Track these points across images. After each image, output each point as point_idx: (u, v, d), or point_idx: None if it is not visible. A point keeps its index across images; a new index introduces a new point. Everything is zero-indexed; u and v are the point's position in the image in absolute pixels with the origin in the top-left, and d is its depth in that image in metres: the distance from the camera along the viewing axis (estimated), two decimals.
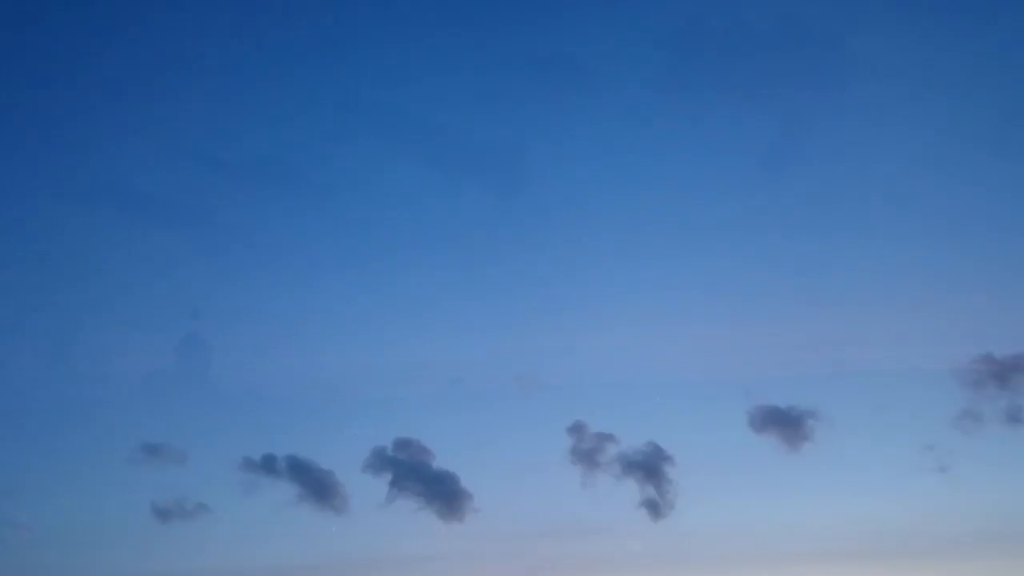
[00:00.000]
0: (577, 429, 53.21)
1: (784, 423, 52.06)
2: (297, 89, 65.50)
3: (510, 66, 65.36)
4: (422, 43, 65.84)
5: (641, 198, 64.49)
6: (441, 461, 53.22)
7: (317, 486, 52.93)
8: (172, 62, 64.73)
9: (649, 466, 51.99)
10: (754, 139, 64.50)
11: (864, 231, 61.75)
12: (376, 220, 65.36)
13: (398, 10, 65.78)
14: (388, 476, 52.65)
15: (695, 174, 64.29)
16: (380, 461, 53.09)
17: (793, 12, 64.52)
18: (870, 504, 52.12)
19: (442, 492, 52.53)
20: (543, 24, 65.76)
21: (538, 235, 63.95)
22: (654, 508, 51.21)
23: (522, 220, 64.56)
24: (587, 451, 52.90)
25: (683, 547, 51.68)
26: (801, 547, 51.48)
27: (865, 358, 56.75)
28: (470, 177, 65.56)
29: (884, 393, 54.21)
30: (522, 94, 65.13)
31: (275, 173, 65.60)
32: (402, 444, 53.78)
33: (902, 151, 63.17)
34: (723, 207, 63.38)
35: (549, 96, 65.25)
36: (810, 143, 64.13)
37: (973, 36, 63.13)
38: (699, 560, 51.37)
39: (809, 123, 64.65)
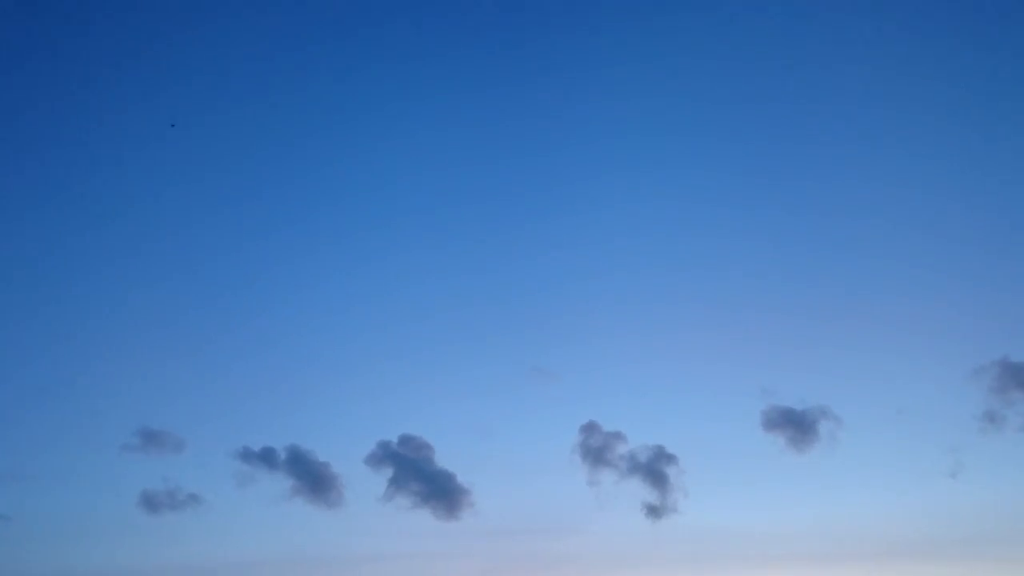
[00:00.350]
0: (589, 429, 53.16)
1: (798, 425, 51.91)
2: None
3: (530, 75, 66.88)
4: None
5: (660, 206, 66.08)
6: (444, 457, 52.91)
7: (317, 480, 52.15)
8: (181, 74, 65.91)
9: (661, 466, 51.81)
10: (767, 149, 66.20)
11: (880, 237, 62.78)
12: (391, 210, 66.30)
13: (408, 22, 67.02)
14: (391, 471, 52.12)
15: (714, 181, 65.76)
16: (383, 456, 52.49)
17: (796, 28, 65.94)
18: (887, 506, 52.49)
19: (443, 489, 51.78)
20: (562, 30, 67.35)
21: (556, 235, 65.81)
22: (665, 509, 51.11)
23: (539, 220, 66.37)
24: (598, 450, 52.72)
25: (694, 547, 51.77)
26: (817, 547, 51.66)
27: (881, 362, 57.54)
28: (487, 177, 66.30)
29: (900, 396, 54.48)
30: (541, 101, 66.96)
31: (280, 169, 66.43)
32: (406, 440, 53.22)
33: (920, 156, 64.66)
34: (742, 215, 65.01)
35: (568, 105, 67.06)
36: (826, 152, 65.81)
37: (986, 51, 64.55)
38: (709, 559, 51.44)
39: (821, 133, 65.77)
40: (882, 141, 64.83)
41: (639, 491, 51.33)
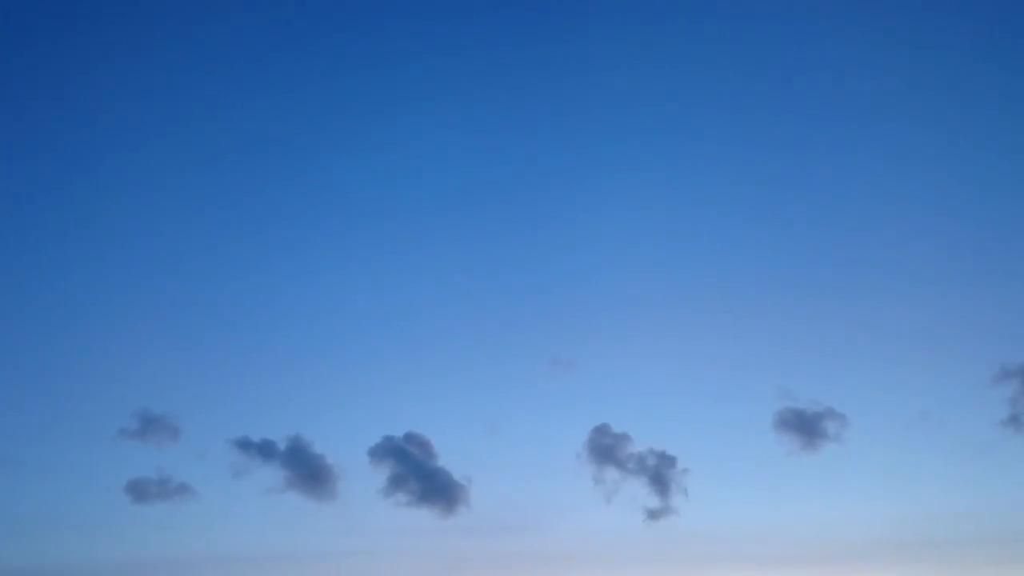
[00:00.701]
0: (601, 429, 52.12)
1: (815, 429, 51.27)
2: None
3: (554, 67, 65.77)
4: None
5: (678, 210, 64.23)
6: (450, 454, 51.83)
7: (315, 474, 51.04)
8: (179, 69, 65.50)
9: (673, 467, 51.17)
10: (786, 157, 64.14)
11: (901, 239, 60.98)
12: (404, 199, 64.49)
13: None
14: (394, 468, 51.07)
15: (735, 187, 63.93)
16: (387, 451, 51.44)
17: (808, 35, 64.51)
18: (908, 510, 51.81)
19: (447, 486, 51.00)
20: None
21: (574, 233, 63.72)
22: (675, 510, 50.38)
23: (555, 218, 64.35)
24: (608, 449, 51.75)
25: (704, 549, 50.90)
26: (836, 550, 50.87)
27: (901, 365, 56.17)
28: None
29: (921, 400, 53.59)
30: (567, 96, 65.42)
31: (287, 157, 65.50)
32: (412, 436, 52.13)
33: (940, 158, 62.71)
34: (762, 220, 63.25)
35: (593, 103, 65.41)
36: (845, 159, 63.78)
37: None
38: (718, 560, 50.50)
39: (837, 141, 64.17)
40: (899, 146, 63.34)
41: (651, 491, 50.76)
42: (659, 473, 50.76)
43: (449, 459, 51.49)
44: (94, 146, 63.99)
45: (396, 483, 50.59)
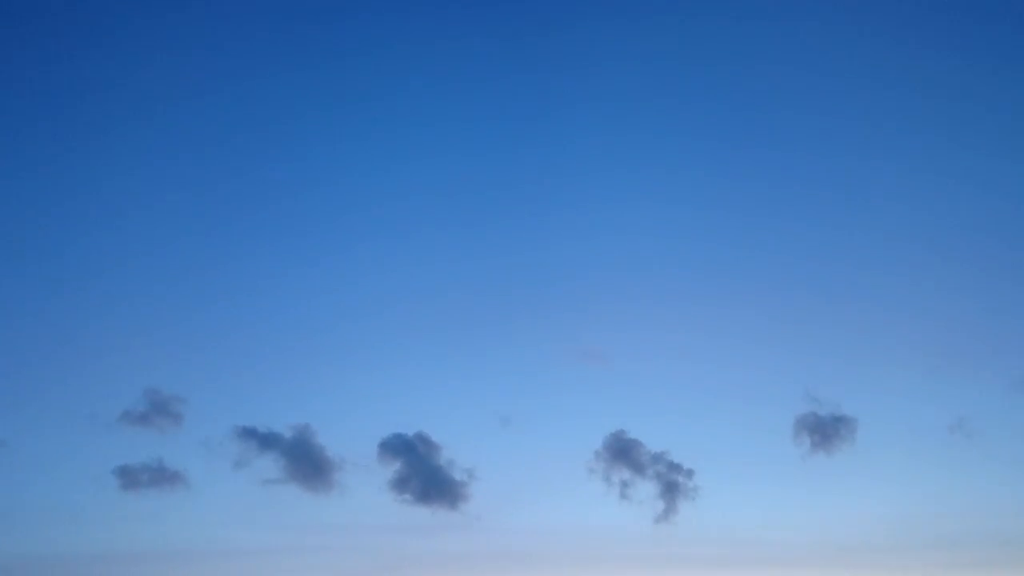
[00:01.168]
0: (617, 433, 51.33)
1: (842, 434, 50.83)
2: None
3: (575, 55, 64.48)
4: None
5: (700, 209, 63.05)
6: (457, 453, 50.74)
7: (315, 469, 49.98)
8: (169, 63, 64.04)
9: (687, 471, 50.64)
10: (808, 157, 62.92)
11: (934, 239, 60.26)
12: (425, 185, 63.07)
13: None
14: (399, 465, 50.14)
15: (754, 189, 62.82)
16: (394, 449, 50.37)
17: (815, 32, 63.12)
18: (926, 511, 51.27)
19: (450, 484, 50.06)
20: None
21: (590, 228, 62.74)
22: (685, 514, 49.85)
23: (570, 212, 63.12)
24: (624, 454, 50.98)
25: (718, 552, 50.33)
26: (855, 552, 50.24)
27: (933, 370, 55.34)
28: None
29: (947, 404, 52.86)
30: (582, 93, 64.23)
31: (300, 140, 64.08)
32: (420, 434, 51.13)
33: (970, 157, 61.37)
34: (784, 219, 62.09)
35: (607, 99, 64.34)
36: (872, 152, 62.62)
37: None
38: (732, 564, 50.01)
39: (863, 143, 62.89)
40: (932, 146, 62.29)
41: (666, 493, 50.04)
42: (672, 477, 50.31)
43: (457, 455, 50.75)
44: (95, 128, 62.62)
45: (402, 479, 49.82)
